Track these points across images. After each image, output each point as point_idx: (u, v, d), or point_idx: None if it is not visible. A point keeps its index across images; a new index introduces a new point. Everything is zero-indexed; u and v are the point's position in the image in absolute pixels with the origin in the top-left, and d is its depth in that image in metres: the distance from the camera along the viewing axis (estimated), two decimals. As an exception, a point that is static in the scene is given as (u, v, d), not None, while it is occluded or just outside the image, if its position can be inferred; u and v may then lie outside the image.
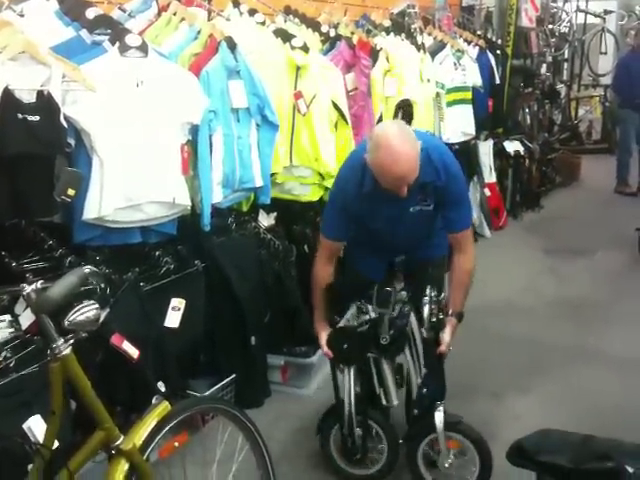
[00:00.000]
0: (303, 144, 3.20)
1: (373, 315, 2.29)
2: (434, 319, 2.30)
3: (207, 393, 2.79)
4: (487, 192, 5.87)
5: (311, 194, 3.34)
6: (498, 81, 5.76)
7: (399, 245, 2.47)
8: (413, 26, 4.87)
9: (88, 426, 1.71)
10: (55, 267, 2.30)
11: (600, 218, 6.27)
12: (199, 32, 2.81)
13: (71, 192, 2.11)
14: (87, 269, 1.62)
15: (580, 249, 5.31)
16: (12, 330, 2.13)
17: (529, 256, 5.23)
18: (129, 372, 2.40)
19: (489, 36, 6.14)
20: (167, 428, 1.79)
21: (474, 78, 5.19)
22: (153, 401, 2.31)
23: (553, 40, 7.99)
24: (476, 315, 3.57)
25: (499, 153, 6.15)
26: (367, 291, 2.35)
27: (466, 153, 5.22)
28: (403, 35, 4.51)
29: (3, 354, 2.03)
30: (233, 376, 2.95)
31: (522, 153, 6.42)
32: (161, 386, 2.54)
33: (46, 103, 2.04)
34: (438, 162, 2.26)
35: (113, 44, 2.35)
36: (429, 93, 4.48)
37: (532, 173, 6.66)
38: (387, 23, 4.61)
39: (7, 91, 1.95)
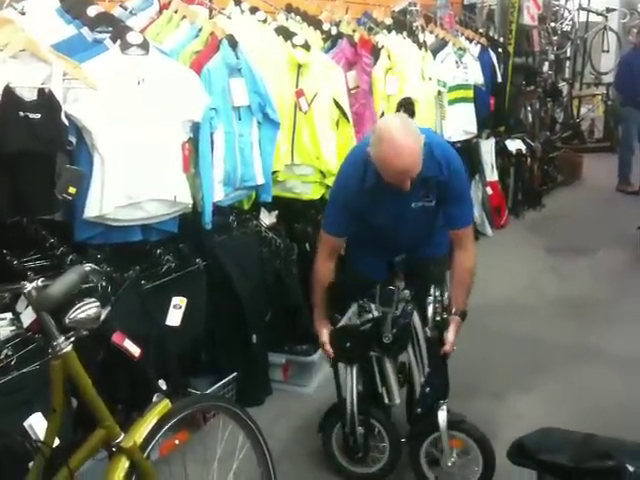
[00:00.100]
0: (304, 142, 3.19)
1: (376, 314, 2.29)
2: (438, 318, 2.30)
3: (208, 391, 2.79)
4: (489, 191, 5.86)
5: (312, 192, 3.34)
6: (500, 79, 5.75)
7: (400, 243, 2.46)
8: (415, 24, 4.86)
9: (89, 424, 1.71)
10: (56, 265, 2.30)
11: (602, 217, 6.26)
12: (200, 30, 2.81)
13: (72, 190, 2.11)
14: (88, 267, 1.62)
15: (582, 248, 5.30)
16: (13, 328, 2.13)
17: (531, 255, 5.22)
18: (130, 370, 2.40)
19: (491, 34, 6.12)
20: (168, 426, 1.79)
21: (476, 76, 5.19)
22: (154, 399, 2.31)
23: (555, 38, 7.97)
24: (478, 314, 3.56)
25: (501, 151, 6.14)
26: (369, 290, 2.35)
27: (468, 151, 5.21)
28: (405, 33, 4.51)
29: (4, 352, 2.03)
30: (234, 374, 2.95)
31: (524, 152, 6.40)
32: (162, 384, 2.54)
33: (47, 101, 2.03)
34: (441, 157, 2.26)
35: (114, 42, 2.35)
36: (431, 91, 4.48)
37: (534, 172, 6.65)
38: (389, 21, 4.60)
39: (8, 89, 1.95)
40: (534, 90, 7.07)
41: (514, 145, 6.31)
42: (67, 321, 1.55)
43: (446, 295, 2.45)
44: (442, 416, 2.27)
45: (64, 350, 1.56)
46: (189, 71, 2.58)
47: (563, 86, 8.57)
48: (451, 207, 2.34)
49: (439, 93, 4.66)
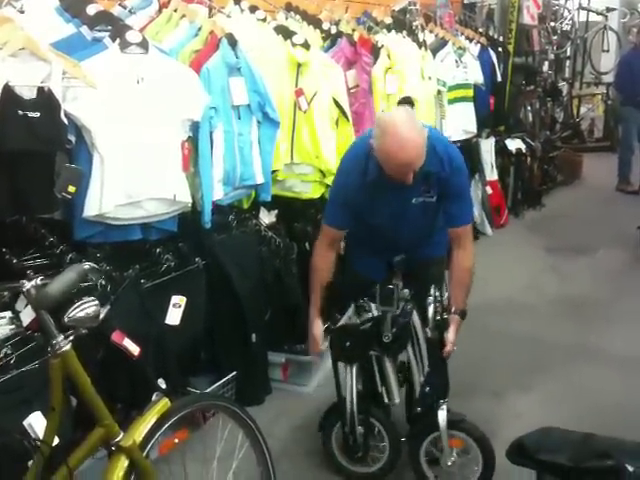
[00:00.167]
0: (304, 141, 3.19)
1: (376, 313, 2.29)
2: (438, 317, 2.30)
3: (208, 390, 2.79)
4: (489, 190, 5.86)
5: (312, 191, 3.34)
6: (500, 79, 5.75)
7: (400, 242, 2.45)
8: (415, 23, 4.86)
9: (88, 423, 1.71)
10: (56, 264, 2.29)
11: (602, 216, 6.26)
12: (200, 29, 2.81)
13: (72, 189, 2.11)
14: (86, 265, 1.62)
15: (582, 247, 5.30)
16: (13, 327, 2.13)
17: (530, 254, 5.22)
18: (129, 369, 2.40)
19: (491, 33, 6.12)
20: (167, 425, 1.79)
21: (476, 76, 5.18)
22: (153, 398, 2.31)
23: (555, 38, 7.97)
24: (477, 313, 3.56)
25: (501, 151, 6.14)
26: (369, 289, 2.35)
27: (468, 151, 5.20)
28: (404, 32, 4.50)
29: (4, 351, 2.03)
30: (234, 373, 2.94)
31: (524, 151, 6.41)
32: (161, 383, 2.53)
33: (46, 99, 2.03)
34: (443, 154, 2.26)
35: (114, 41, 2.34)
36: (430, 91, 4.47)
37: (534, 171, 6.65)
38: (388, 20, 4.60)
39: (7, 87, 1.94)
40: (534, 90, 7.07)
41: (514, 144, 6.31)
42: (66, 320, 1.55)
43: (446, 295, 2.45)
44: (442, 415, 2.26)
45: (63, 349, 1.56)
46: (188, 70, 2.58)
47: (563, 86, 8.57)
48: (451, 205, 2.33)
49: (439, 92, 4.66)
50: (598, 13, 9.31)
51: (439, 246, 2.54)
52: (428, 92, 4.40)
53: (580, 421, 2.48)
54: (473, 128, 5.17)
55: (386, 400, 2.39)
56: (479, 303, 3.39)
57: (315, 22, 3.76)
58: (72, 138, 2.21)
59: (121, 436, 1.70)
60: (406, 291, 2.36)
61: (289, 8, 3.70)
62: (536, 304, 4.23)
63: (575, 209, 6.61)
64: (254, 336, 3.01)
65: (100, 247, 2.45)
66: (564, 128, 8.67)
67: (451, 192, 2.31)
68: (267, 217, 3.30)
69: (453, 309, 2.33)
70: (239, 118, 2.82)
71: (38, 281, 1.55)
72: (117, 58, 2.32)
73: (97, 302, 1.62)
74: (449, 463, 2.32)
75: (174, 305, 2.68)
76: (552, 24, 7.91)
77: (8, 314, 2.13)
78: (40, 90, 2.03)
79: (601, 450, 1.96)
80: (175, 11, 2.85)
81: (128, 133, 2.34)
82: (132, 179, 2.37)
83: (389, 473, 2.50)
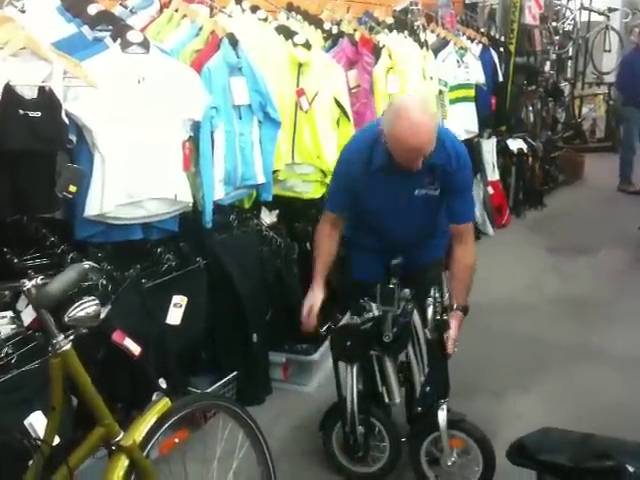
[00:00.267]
0: (305, 141, 3.19)
1: (376, 313, 2.28)
2: (438, 317, 2.30)
3: (208, 390, 2.79)
4: (490, 190, 5.86)
5: (313, 191, 3.34)
6: (501, 79, 5.74)
7: (398, 240, 2.41)
8: (416, 23, 4.86)
9: (89, 422, 1.71)
10: (57, 264, 2.29)
11: (603, 216, 6.26)
12: (201, 29, 2.81)
13: (72, 188, 2.11)
14: (86, 265, 1.62)
15: (583, 247, 5.30)
16: (14, 326, 2.14)
17: (532, 254, 5.21)
18: (130, 369, 2.40)
19: (492, 33, 6.12)
20: (167, 424, 1.79)
21: (477, 76, 5.18)
22: (153, 397, 2.31)
23: (557, 38, 7.97)
24: (478, 313, 3.55)
25: (502, 151, 6.14)
26: (369, 290, 2.34)
27: (469, 151, 5.18)
28: (406, 32, 4.51)
29: (5, 350, 2.03)
30: (234, 373, 2.95)
31: (525, 151, 6.40)
32: (162, 383, 2.54)
33: (47, 99, 2.03)
34: (451, 149, 2.26)
35: (115, 40, 2.34)
36: (432, 91, 4.47)
37: (535, 171, 6.64)
38: (390, 20, 4.60)
39: (8, 87, 1.95)
40: (535, 90, 7.06)
41: (515, 144, 6.30)
42: (66, 319, 1.56)
43: (446, 296, 2.45)
44: (442, 415, 2.26)
45: (63, 348, 1.57)
46: (190, 70, 2.58)
47: (565, 86, 8.56)
48: (454, 201, 2.32)
49: (440, 92, 4.66)
50: (600, 13, 9.29)
51: (437, 249, 2.52)
52: (429, 92, 4.39)
53: (580, 421, 2.48)
54: (474, 128, 5.17)
55: (386, 400, 2.39)
56: (480, 303, 3.38)
57: (316, 22, 3.76)
58: (73, 138, 2.22)
59: (121, 436, 1.70)
60: (407, 291, 2.35)
61: (290, 8, 3.70)
62: (537, 304, 4.22)
63: (577, 209, 6.60)
64: (255, 336, 3.01)
65: (101, 247, 2.45)
66: (566, 128, 8.66)
67: (455, 187, 2.30)
68: (268, 217, 3.30)
69: (455, 305, 2.32)
70: (240, 118, 2.82)
71: (38, 280, 1.55)
72: (118, 58, 2.32)
73: (97, 302, 1.62)
74: (449, 463, 2.32)
75: (175, 305, 2.68)
76: (554, 24, 7.90)
77: (9, 314, 2.13)
78: (41, 90, 2.03)
79: (601, 450, 1.96)
80: (176, 11, 2.85)
81: (129, 133, 2.34)
82: (133, 179, 2.37)
83: (389, 473, 2.50)
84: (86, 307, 1.58)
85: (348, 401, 2.39)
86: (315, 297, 2.36)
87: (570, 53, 8.90)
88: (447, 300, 2.41)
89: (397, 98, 2.33)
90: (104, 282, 2.32)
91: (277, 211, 3.36)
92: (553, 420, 2.29)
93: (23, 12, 2.27)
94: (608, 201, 6.88)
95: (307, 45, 3.14)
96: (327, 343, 2.80)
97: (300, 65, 3.13)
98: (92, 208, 2.29)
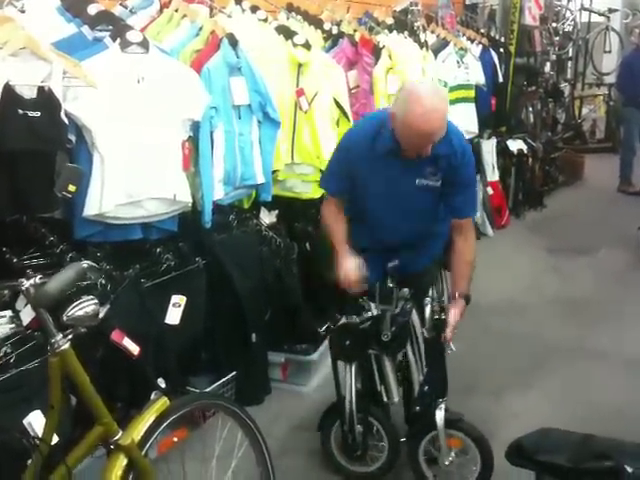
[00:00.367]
0: (305, 141, 3.19)
1: (375, 312, 2.29)
2: (436, 316, 2.30)
3: (207, 390, 2.79)
4: (490, 191, 5.86)
5: (313, 191, 3.33)
6: (501, 79, 5.75)
7: (395, 235, 2.36)
8: (416, 24, 4.86)
9: (88, 422, 1.72)
10: (56, 263, 2.29)
11: (603, 217, 6.26)
12: (201, 29, 2.81)
13: (72, 188, 2.11)
14: (85, 264, 1.63)
15: (583, 248, 5.30)
16: (13, 326, 2.14)
17: (532, 255, 5.22)
18: (129, 368, 2.40)
19: (492, 34, 6.13)
20: (166, 424, 1.79)
21: (477, 76, 5.18)
22: (152, 397, 2.32)
23: (557, 38, 7.97)
24: (478, 313, 3.57)
25: (502, 152, 6.14)
26: (367, 290, 2.34)
27: (469, 151, 5.20)
28: (406, 33, 4.51)
29: (4, 349, 2.03)
30: (233, 373, 2.95)
31: (525, 152, 6.40)
32: (161, 382, 2.54)
33: (47, 99, 2.04)
34: (457, 145, 2.25)
35: (114, 40, 2.35)
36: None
37: (535, 172, 6.64)
38: (390, 21, 4.60)
39: (8, 87, 1.95)
40: (536, 90, 7.06)
41: (515, 145, 6.30)
42: (65, 318, 1.56)
43: (444, 296, 2.45)
44: (440, 414, 2.27)
45: (62, 347, 1.57)
46: (189, 70, 2.58)
47: (565, 86, 8.56)
48: (458, 194, 2.30)
49: (440, 93, 4.65)
50: (600, 14, 9.29)
51: (434, 251, 2.48)
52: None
53: (579, 422, 2.48)
54: (474, 129, 5.17)
55: (385, 399, 2.39)
56: (480, 303, 3.38)
57: (316, 22, 3.77)
58: (72, 137, 2.22)
59: (120, 435, 1.70)
60: (405, 290, 2.35)
61: (290, 8, 3.70)
62: (537, 304, 4.23)
63: (576, 210, 6.60)
64: (254, 336, 3.01)
65: (100, 246, 2.45)
66: (566, 129, 8.66)
67: (459, 180, 2.28)
68: (268, 217, 3.30)
69: (457, 294, 2.31)
70: (240, 118, 2.82)
71: (37, 279, 1.55)
72: (118, 58, 2.33)
73: (96, 301, 1.62)
74: (447, 462, 2.32)
75: (174, 305, 2.68)
76: (554, 25, 7.91)
77: (8, 313, 2.13)
78: (40, 90, 2.03)
79: (600, 451, 1.96)
80: (176, 11, 2.85)
81: (128, 133, 2.34)
82: (132, 179, 2.37)
83: (388, 472, 2.50)
84: (85, 306, 1.59)
85: (347, 400, 2.40)
86: (348, 260, 2.28)
87: (570, 54, 8.90)
88: (445, 300, 2.41)
89: (409, 83, 2.29)
90: (103, 282, 2.32)
91: (276, 211, 3.36)
92: (552, 420, 2.29)
93: (23, 12, 2.27)
94: (608, 202, 6.88)
95: (307, 45, 3.14)
96: (326, 343, 2.80)
97: (300, 65, 3.13)
98: (91, 208, 2.29)
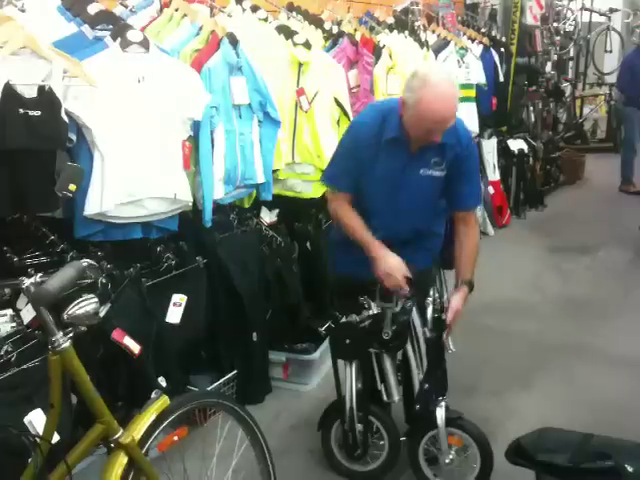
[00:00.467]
0: (305, 141, 3.19)
1: (375, 311, 2.29)
2: (436, 315, 2.30)
3: (208, 389, 2.79)
4: (491, 190, 5.86)
5: (313, 191, 3.34)
6: (502, 79, 5.75)
7: (394, 228, 2.31)
8: (417, 23, 4.87)
9: (89, 420, 1.72)
10: (57, 262, 2.30)
11: (604, 217, 6.26)
12: (201, 28, 2.81)
13: (72, 187, 2.12)
14: (85, 262, 1.62)
15: (584, 247, 5.30)
16: (14, 325, 2.14)
17: (533, 254, 5.22)
18: (130, 367, 2.41)
19: (493, 34, 6.13)
20: (166, 422, 1.79)
21: (478, 76, 5.19)
22: (152, 395, 2.32)
23: (558, 38, 7.96)
24: (479, 312, 3.58)
25: (503, 151, 6.15)
26: (369, 287, 2.34)
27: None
28: (406, 32, 4.51)
29: (5, 348, 2.04)
30: (234, 372, 2.95)
31: (526, 151, 6.41)
32: (162, 381, 2.54)
33: (47, 98, 2.04)
34: (462, 134, 2.25)
35: (115, 40, 2.35)
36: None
37: (536, 172, 6.65)
38: (390, 20, 4.61)
39: (8, 86, 1.95)
40: (536, 90, 7.06)
41: (516, 145, 6.31)
42: (65, 317, 1.56)
43: (445, 296, 2.45)
44: (440, 413, 2.27)
45: (62, 346, 1.57)
46: (189, 69, 2.58)
47: (566, 86, 8.56)
48: (464, 184, 2.29)
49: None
50: (601, 14, 9.29)
51: (432, 252, 2.46)
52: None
53: (579, 421, 2.48)
54: (475, 128, 5.17)
55: (385, 398, 2.39)
56: (481, 302, 3.39)
57: (317, 22, 3.77)
58: (73, 137, 2.22)
59: (120, 433, 1.70)
60: (406, 288, 2.35)
61: (291, 8, 3.70)
62: (538, 304, 4.22)
63: (577, 209, 6.60)
64: (255, 335, 3.01)
65: (101, 246, 2.46)
66: (567, 129, 8.66)
67: (464, 170, 2.27)
68: (268, 216, 3.31)
69: (460, 280, 2.30)
70: (240, 117, 2.83)
71: (37, 278, 1.55)
72: (118, 57, 2.33)
73: (96, 300, 1.62)
74: (447, 461, 2.32)
75: (175, 304, 2.69)
76: (555, 25, 7.90)
77: (9, 312, 2.13)
78: (41, 89, 2.03)
79: (600, 451, 1.96)
80: (176, 10, 2.85)
81: (129, 132, 2.34)
82: (133, 178, 2.38)
83: (388, 471, 2.50)
84: (85, 305, 1.59)
85: (347, 399, 2.40)
86: (392, 257, 2.20)
87: (571, 54, 8.90)
88: (446, 300, 2.40)
89: (422, 68, 2.25)
90: (104, 281, 2.33)
91: (277, 210, 3.36)
92: (552, 420, 2.30)
93: (23, 11, 2.28)
94: (609, 201, 6.88)
95: (307, 45, 3.15)
96: (327, 342, 2.80)
97: (300, 65, 3.14)
98: (92, 207, 2.29)
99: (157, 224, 2.57)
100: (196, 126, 2.61)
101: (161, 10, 2.88)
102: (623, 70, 7.40)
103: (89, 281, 2.08)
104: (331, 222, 2.70)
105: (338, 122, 3.36)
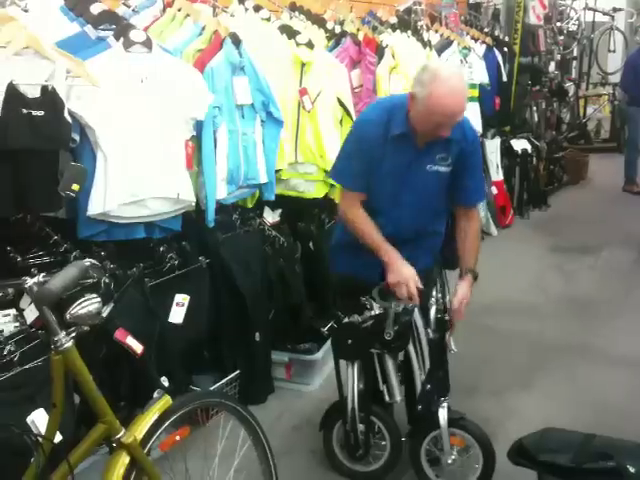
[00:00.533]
0: (308, 141, 3.19)
1: (377, 311, 2.29)
2: (439, 316, 2.30)
3: (211, 389, 2.80)
4: (494, 190, 5.85)
5: (316, 191, 3.34)
6: (505, 79, 5.74)
7: (397, 225, 2.29)
8: (419, 23, 4.86)
9: (91, 420, 1.72)
10: (60, 262, 2.31)
11: (607, 217, 6.24)
12: (204, 28, 2.82)
13: (75, 187, 2.12)
14: (87, 262, 1.62)
15: (587, 248, 5.29)
16: (17, 324, 2.15)
17: (536, 254, 5.21)
18: (132, 367, 2.41)
19: (496, 33, 6.12)
20: (168, 422, 1.79)
21: (481, 76, 5.18)
22: (154, 395, 2.32)
23: (561, 38, 7.95)
24: (481, 312, 3.57)
25: (506, 151, 6.14)
26: (371, 287, 2.34)
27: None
28: (409, 32, 4.51)
29: (8, 348, 2.04)
30: (237, 372, 2.96)
31: (529, 151, 6.40)
32: (164, 381, 2.54)
33: (50, 98, 2.04)
34: (468, 130, 2.25)
35: (117, 40, 2.35)
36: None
37: (539, 171, 6.64)
38: (393, 20, 4.60)
39: (12, 86, 1.96)
40: (540, 90, 7.05)
41: (519, 145, 6.30)
42: (68, 317, 1.56)
43: (447, 297, 2.45)
44: (442, 413, 2.27)
45: (65, 345, 1.57)
46: (192, 69, 2.59)
47: (569, 86, 8.54)
48: (468, 179, 2.29)
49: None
50: (605, 13, 9.27)
51: (433, 252, 2.45)
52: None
53: (581, 422, 2.48)
54: (478, 128, 5.16)
55: (387, 398, 2.39)
56: (484, 302, 3.39)
57: (319, 22, 3.77)
58: (76, 137, 2.23)
59: (122, 433, 1.70)
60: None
61: (293, 8, 3.70)
62: (541, 304, 4.22)
63: (580, 209, 6.59)
64: (258, 335, 3.02)
65: (104, 245, 2.46)
66: (570, 128, 8.64)
67: (469, 165, 2.28)
68: (271, 216, 3.31)
69: (465, 269, 2.29)
70: (243, 117, 2.83)
71: (40, 278, 1.55)
72: (121, 57, 2.33)
73: (99, 299, 1.62)
74: (449, 461, 2.32)
75: (177, 304, 2.69)
76: (558, 24, 7.89)
77: (12, 312, 2.14)
78: (44, 89, 2.03)
79: (602, 451, 1.96)
80: (179, 10, 2.86)
81: (132, 132, 2.35)
82: (136, 178, 2.38)
83: (390, 471, 2.50)
84: (88, 305, 1.59)
85: (349, 399, 2.40)
86: (406, 267, 2.19)
87: (575, 53, 8.88)
88: (448, 301, 2.40)
89: (432, 63, 2.26)
90: (107, 280, 2.33)
91: (280, 210, 3.36)
92: (554, 420, 2.29)
93: (26, 11, 2.28)
94: (612, 202, 6.87)
95: (310, 44, 3.15)
96: (330, 342, 2.79)
97: (303, 64, 3.14)
98: (95, 207, 2.30)
99: (160, 224, 2.58)
100: (199, 126, 2.61)
101: (164, 10, 2.88)
102: (627, 70, 7.39)
103: (92, 281, 2.08)
104: (334, 222, 2.70)
105: (341, 122, 3.36)
